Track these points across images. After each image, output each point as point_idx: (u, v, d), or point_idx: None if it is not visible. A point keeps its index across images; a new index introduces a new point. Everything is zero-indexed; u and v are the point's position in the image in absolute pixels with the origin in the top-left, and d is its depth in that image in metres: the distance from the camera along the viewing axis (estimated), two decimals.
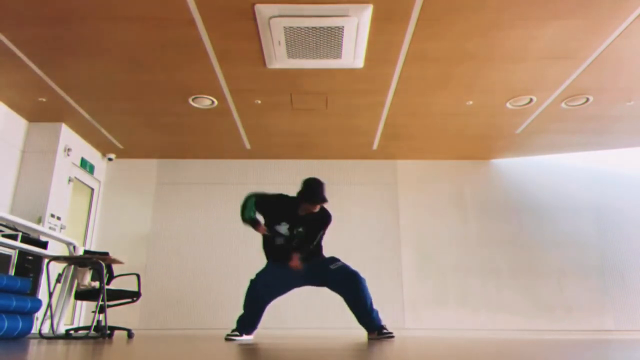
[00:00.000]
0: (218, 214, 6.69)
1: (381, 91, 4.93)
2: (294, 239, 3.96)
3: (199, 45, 4.09)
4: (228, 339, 3.81)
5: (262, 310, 4.02)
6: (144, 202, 6.72)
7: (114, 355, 2.03)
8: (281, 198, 4.08)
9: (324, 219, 4.01)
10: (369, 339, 3.86)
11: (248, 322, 3.99)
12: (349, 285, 3.90)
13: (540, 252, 6.52)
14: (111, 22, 3.78)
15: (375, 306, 3.93)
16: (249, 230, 6.63)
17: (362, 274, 4.01)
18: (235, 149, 6.57)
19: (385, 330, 3.83)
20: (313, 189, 3.91)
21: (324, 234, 4.05)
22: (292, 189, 6.77)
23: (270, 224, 4.04)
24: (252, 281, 4.06)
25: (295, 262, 3.84)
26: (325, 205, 3.97)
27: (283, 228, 4.00)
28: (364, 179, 6.86)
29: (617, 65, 4.41)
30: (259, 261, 6.60)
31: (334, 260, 4.02)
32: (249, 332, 3.99)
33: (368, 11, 3.65)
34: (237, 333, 3.89)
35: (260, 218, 4.06)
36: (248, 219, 3.96)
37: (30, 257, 4.78)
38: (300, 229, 3.97)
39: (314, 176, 4.05)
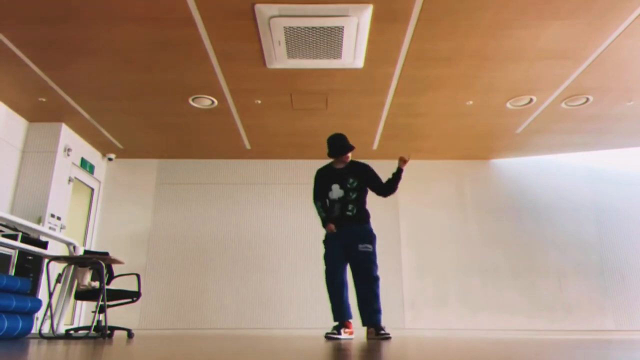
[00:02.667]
0: (218, 213, 6.69)
1: (381, 91, 4.93)
2: (350, 194, 4.07)
3: (199, 45, 4.10)
4: (328, 337, 3.78)
5: (342, 292, 3.99)
6: (144, 202, 6.72)
7: (114, 355, 2.03)
8: (320, 173, 4.25)
9: (364, 167, 4.17)
10: (368, 338, 3.86)
11: (336, 311, 3.96)
12: (361, 280, 3.96)
13: (540, 252, 6.52)
14: (111, 22, 3.79)
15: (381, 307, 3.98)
16: (248, 230, 6.67)
17: None
18: (235, 149, 6.57)
19: (382, 331, 3.83)
20: (337, 142, 4.12)
21: (369, 181, 4.14)
22: (292, 189, 6.85)
23: (326, 196, 4.15)
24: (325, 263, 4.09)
25: (331, 226, 4.05)
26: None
27: (335, 191, 4.11)
28: None
29: (617, 65, 4.42)
30: (259, 261, 6.64)
31: (368, 239, 4.02)
32: (345, 325, 3.93)
33: (368, 11, 3.65)
34: (335, 332, 3.88)
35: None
36: (326, 220, 4.12)
37: (30, 257, 4.78)
38: (352, 180, 4.10)
39: (332, 133, 4.23)
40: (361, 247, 3.97)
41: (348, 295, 3.99)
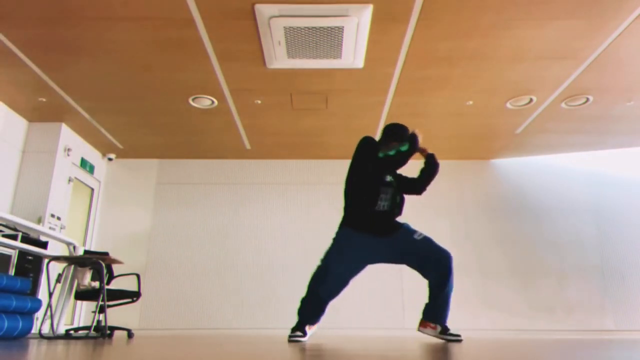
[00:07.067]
0: (218, 213, 6.69)
1: (381, 91, 4.93)
2: (397, 193, 3.41)
3: (199, 45, 4.10)
4: (291, 340, 3.22)
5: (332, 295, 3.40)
6: (144, 202, 6.72)
7: (114, 355, 2.03)
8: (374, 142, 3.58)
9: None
10: (419, 330, 3.30)
11: (311, 313, 3.40)
12: (439, 264, 3.23)
13: (540, 252, 6.52)
14: (111, 22, 3.79)
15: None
16: (248, 230, 6.66)
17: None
18: (235, 149, 6.57)
19: (451, 332, 3.26)
20: (398, 126, 3.59)
21: (405, 180, 3.60)
22: (292, 189, 6.85)
23: (377, 174, 3.41)
24: (320, 267, 3.37)
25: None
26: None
27: (389, 178, 3.43)
28: None
29: (617, 65, 4.42)
30: (258, 261, 6.64)
31: (411, 228, 3.37)
32: (312, 324, 3.40)
33: (368, 11, 3.65)
34: (299, 333, 3.30)
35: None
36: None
37: (30, 257, 4.78)
38: (392, 179, 3.47)
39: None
40: (416, 236, 3.31)
41: None
